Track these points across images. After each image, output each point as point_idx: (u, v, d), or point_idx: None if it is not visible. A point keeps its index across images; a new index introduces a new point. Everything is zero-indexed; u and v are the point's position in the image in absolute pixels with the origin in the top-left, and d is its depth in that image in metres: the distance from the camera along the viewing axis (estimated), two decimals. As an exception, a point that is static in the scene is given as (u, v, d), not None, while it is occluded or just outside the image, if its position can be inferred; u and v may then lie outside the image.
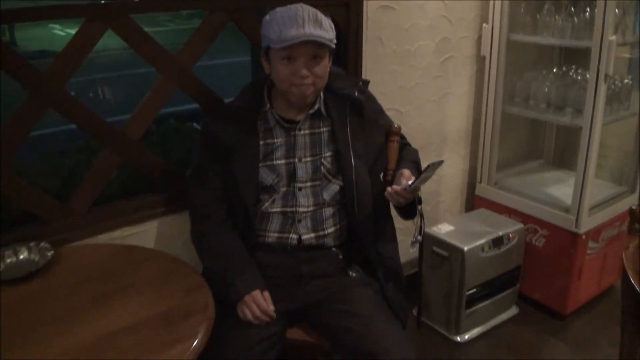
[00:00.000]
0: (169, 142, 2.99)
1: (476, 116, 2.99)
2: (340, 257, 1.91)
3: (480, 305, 2.68)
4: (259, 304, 1.72)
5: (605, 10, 2.31)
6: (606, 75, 2.37)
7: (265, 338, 1.72)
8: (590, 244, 2.69)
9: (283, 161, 1.84)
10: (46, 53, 8.61)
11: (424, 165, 1.96)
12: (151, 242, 2.08)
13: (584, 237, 2.64)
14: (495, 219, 2.81)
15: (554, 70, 2.79)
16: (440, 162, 1.73)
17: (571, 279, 2.70)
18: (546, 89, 2.73)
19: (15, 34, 10.40)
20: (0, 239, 1.79)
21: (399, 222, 2.00)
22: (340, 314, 1.78)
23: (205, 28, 1.99)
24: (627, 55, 2.84)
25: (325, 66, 1.75)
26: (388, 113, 2.05)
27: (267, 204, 1.85)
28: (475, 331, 2.70)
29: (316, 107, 1.85)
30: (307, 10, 1.67)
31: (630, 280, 1.14)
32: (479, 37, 2.82)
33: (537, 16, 2.64)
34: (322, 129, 1.87)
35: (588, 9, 2.47)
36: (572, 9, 2.51)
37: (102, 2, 1.90)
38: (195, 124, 3.35)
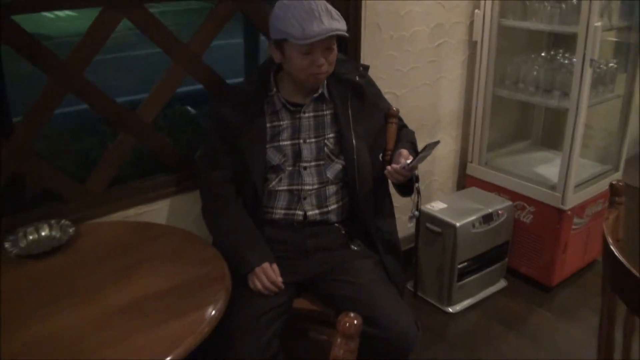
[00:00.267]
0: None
1: (468, 99, 3.11)
2: (343, 232, 2.04)
3: (471, 278, 2.82)
4: (268, 275, 1.85)
5: (591, -4, 2.43)
6: (592, 60, 2.50)
7: (274, 307, 1.84)
8: (576, 219, 2.84)
9: (289, 142, 1.96)
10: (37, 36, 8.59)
11: (419, 146, 2.10)
12: (163, 219, 2.19)
13: (569, 213, 2.78)
14: (485, 197, 2.95)
15: (542, 54, 2.91)
16: (437, 143, 1.87)
17: (557, 253, 2.85)
18: (535, 73, 2.85)
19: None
20: (21, 217, 1.90)
21: (395, 201, 2.14)
22: (343, 284, 1.92)
23: (214, 17, 2.10)
24: (613, 39, 2.97)
25: (336, 54, 1.87)
26: (385, 96, 2.17)
27: (274, 182, 1.97)
28: (466, 302, 2.85)
29: (320, 91, 1.97)
30: (320, 3, 1.77)
31: (609, 246, 1.28)
32: (471, 23, 2.93)
33: (527, 2, 2.75)
34: (325, 112, 1.99)
35: (575, -4, 2.59)
36: (560, -5, 2.64)
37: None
38: (189, 108, 3.45)
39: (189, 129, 2.92)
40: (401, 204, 2.18)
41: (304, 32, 1.73)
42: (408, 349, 1.83)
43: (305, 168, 1.97)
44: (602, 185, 2.93)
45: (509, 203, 2.88)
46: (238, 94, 2.00)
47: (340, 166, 1.99)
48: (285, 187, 1.97)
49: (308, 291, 2.01)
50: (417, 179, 1.94)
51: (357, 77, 2.01)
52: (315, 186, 1.97)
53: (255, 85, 1.98)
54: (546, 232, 2.86)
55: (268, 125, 1.95)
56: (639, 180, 4.03)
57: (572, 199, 2.77)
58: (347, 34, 1.81)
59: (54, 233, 1.85)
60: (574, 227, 2.85)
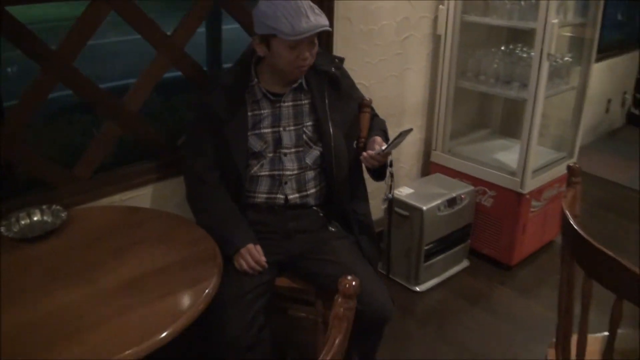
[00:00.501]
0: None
1: (432, 90, 3.27)
2: (321, 214, 2.17)
3: (437, 258, 2.99)
4: (252, 255, 1.96)
5: (548, -4, 2.61)
6: (549, 54, 2.68)
7: (258, 285, 1.96)
8: (533, 202, 3.03)
9: (269, 130, 2.07)
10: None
11: (390, 134, 2.24)
12: (147, 205, 2.28)
13: (527, 196, 2.97)
14: (449, 182, 3.11)
15: (502, 48, 3.09)
16: (410, 130, 2.01)
17: (516, 234, 3.04)
18: (495, 66, 3.02)
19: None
20: (11, 203, 1.97)
21: (368, 185, 2.27)
22: (322, 263, 2.05)
23: (196, 10, 2.20)
24: (568, 35, 3.17)
25: (317, 47, 1.98)
26: (356, 87, 2.30)
27: (256, 168, 2.08)
28: (432, 282, 3.02)
29: (299, 81, 2.08)
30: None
31: (568, 219, 1.44)
32: (436, 18, 3.09)
33: (488, -1, 2.92)
34: (303, 101, 2.11)
35: (533, -7, 2.77)
36: (519, -8, 2.81)
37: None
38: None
39: (165, 117, 3.01)
40: (371, 189, 2.32)
41: (294, 28, 1.84)
42: (385, 321, 1.98)
43: (285, 154, 2.08)
44: (558, 171, 3.13)
45: (471, 188, 3.05)
46: (221, 86, 2.09)
47: (318, 152, 2.12)
48: (266, 173, 2.08)
49: (289, 270, 2.12)
50: (391, 164, 2.08)
51: (333, 68, 2.13)
52: (296, 171, 2.09)
53: (236, 76, 2.08)
54: (506, 215, 3.04)
55: (249, 114, 2.06)
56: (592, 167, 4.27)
57: (530, 184, 2.96)
58: (330, 29, 1.93)
59: (45, 218, 1.92)
60: (532, 209, 3.04)
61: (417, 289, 2.97)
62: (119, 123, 2.14)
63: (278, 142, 2.08)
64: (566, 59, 3.01)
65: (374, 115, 2.30)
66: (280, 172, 2.08)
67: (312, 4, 1.91)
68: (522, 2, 2.79)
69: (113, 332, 1.43)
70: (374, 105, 2.33)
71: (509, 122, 3.53)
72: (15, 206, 1.93)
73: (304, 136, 2.10)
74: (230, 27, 2.28)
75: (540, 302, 2.89)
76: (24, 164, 2.00)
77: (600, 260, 1.33)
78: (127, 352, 1.35)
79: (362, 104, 2.23)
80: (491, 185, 3.07)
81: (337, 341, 1.06)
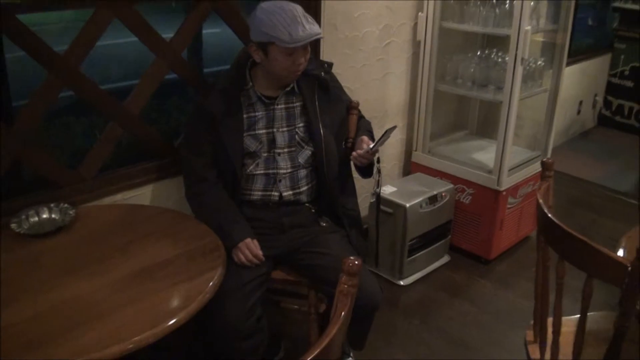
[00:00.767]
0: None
1: (412, 93, 3.43)
2: (313, 210, 2.31)
3: (419, 254, 3.14)
4: (250, 249, 2.09)
5: (522, 4, 2.77)
6: (522, 58, 2.85)
7: (256, 277, 2.08)
8: (510, 199, 3.20)
9: (264, 131, 2.21)
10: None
11: (374, 133, 2.39)
12: (147, 203, 2.40)
13: (504, 193, 3.14)
14: (430, 181, 3.27)
15: (478, 53, 3.25)
16: (394, 128, 2.17)
17: (494, 229, 3.20)
18: (472, 70, 3.18)
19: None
20: (19, 202, 2.07)
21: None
22: (315, 255, 2.18)
23: (192, 17, 2.33)
24: (541, 40, 3.35)
25: (309, 53, 2.12)
26: (342, 90, 2.44)
27: (251, 167, 2.21)
28: (416, 276, 3.16)
29: (291, 85, 2.22)
30: (298, 8, 2.02)
31: (541, 206, 1.60)
32: (415, 24, 3.25)
33: (465, 7, 3.08)
34: (295, 104, 2.24)
35: (507, 2, 2.93)
36: (494, 1, 2.97)
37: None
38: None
39: (160, 120, 3.13)
40: (358, 187, 2.46)
41: (292, 36, 1.98)
42: (375, 308, 2.13)
43: (279, 154, 2.22)
44: (533, 169, 3.30)
45: (450, 186, 3.21)
46: (218, 89, 2.22)
47: (310, 152, 2.25)
48: (261, 171, 2.21)
49: (284, 263, 2.26)
50: (378, 160, 2.23)
51: (322, 73, 2.27)
52: (289, 170, 2.23)
53: (232, 80, 2.21)
54: (484, 211, 3.20)
55: (245, 116, 2.19)
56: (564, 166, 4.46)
57: (507, 181, 3.13)
58: (323, 36, 2.07)
59: (54, 215, 2.02)
60: (508, 206, 3.21)
61: (402, 282, 3.12)
62: (121, 124, 2.25)
63: (272, 143, 2.21)
64: (539, 63, 3.18)
65: (361, 117, 2.44)
66: (275, 171, 2.21)
67: (305, 13, 2.04)
68: (497, 10, 2.96)
69: (127, 318, 1.54)
70: (358, 107, 2.48)
71: (486, 123, 3.71)
72: (23, 205, 2.03)
73: (296, 137, 2.23)
74: (209, 32, 2.42)
75: (518, 293, 3.06)
76: (33, 164, 2.10)
77: (571, 242, 1.49)
78: (144, 335, 1.46)
79: (350, 106, 2.38)
80: (469, 183, 3.23)
81: (343, 314, 1.20)
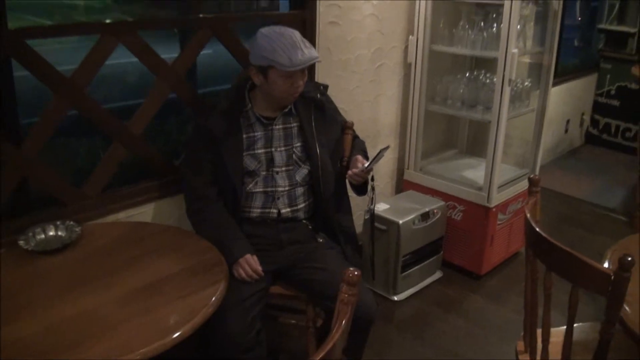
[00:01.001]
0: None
1: (404, 113, 3.53)
2: (310, 227, 2.39)
3: (413, 269, 3.21)
4: (250, 264, 2.16)
5: (509, 28, 2.88)
6: (510, 79, 2.96)
7: (255, 292, 2.15)
8: (500, 215, 3.29)
9: (263, 150, 2.29)
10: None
11: (369, 152, 2.48)
12: (149, 221, 2.47)
13: (494, 210, 3.23)
14: (422, 198, 3.35)
15: (467, 75, 3.36)
16: (387, 147, 2.26)
17: (485, 245, 3.29)
18: (461, 90, 3.29)
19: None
20: (25, 220, 2.14)
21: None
22: (312, 270, 2.25)
23: (194, 42, 2.42)
24: (528, 61, 3.46)
25: (306, 76, 2.22)
26: (335, 111, 2.54)
27: (250, 185, 2.29)
28: (409, 291, 3.24)
29: (288, 107, 2.31)
30: (296, 34, 2.12)
31: (529, 221, 1.69)
32: (406, 47, 3.36)
33: (454, 31, 3.20)
34: (292, 124, 2.33)
35: (495, 26, 3.05)
36: (482, 25, 3.09)
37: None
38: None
39: (160, 140, 3.21)
40: (352, 205, 2.54)
41: (291, 60, 2.07)
42: (371, 321, 2.20)
43: (277, 172, 2.30)
44: (521, 186, 3.39)
45: (442, 203, 3.30)
46: (218, 110, 2.30)
47: (307, 171, 2.34)
48: (260, 189, 2.29)
49: (282, 279, 2.33)
50: (372, 178, 2.32)
51: (318, 95, 2.37)
52: (287, 188, 2.31)
53: (232, 102, 2.30)
54: (475, 228, 3.29)
55: (244, 136, 2.27)
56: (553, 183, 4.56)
57: (496, 198, 3.22)
58: (320, 60, 2.17)
59: (60, 233, 2.08)
60: (498, 222, 3.30)
61: (395, 298, 3.19)
62: (124, 144, 2.33)
63: (270, 162, 2.29)
64: (526, 84, 3.30)
65: (355, 137, 2.53)
66: (273, 189, 2.29)
67: (303, 38, 2.14)
68: (485, 34, 3.08)
69: (134, 331, 1.60)
70: (352, 127, 2.57)
71: (475, 142, 3.81)
72: (30, 222, 2.09)
73: (294, 156, 2.32)
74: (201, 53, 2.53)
75: (509, 307, 3.14)
76: (40, 182, 2.17)
77: (557, 254, 1.57)
78: (150, 347, 1.52)
79: (345, 127, 2.47)
80: (460, 200, 3.32)
81: (344, 322, 1.27)
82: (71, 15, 11.16)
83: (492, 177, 3.16)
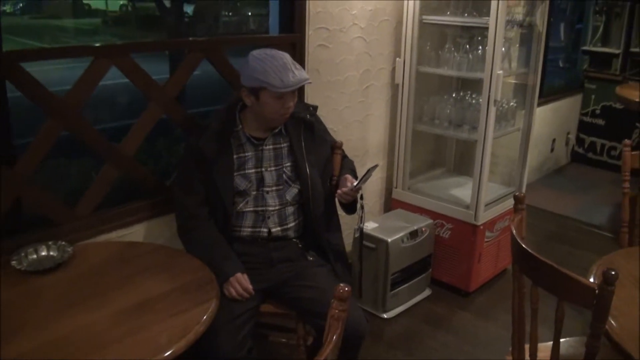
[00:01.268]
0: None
1: (392, 133, 3.58)
2: (300, 245, 2.41)
3: (401, 287, 3.24)
4: (241, 283, 2.18)
5: (494, 50, 2.95)
6: (495, 100, 3.02)
7: (246, 310, 2.17)
8: (487, 233, 3.33)
9: (253, 170, 2.33)
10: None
11: (358, 171, 2.52)
12: (140, 241, 2.49)
13: (481, 227, 3.27)
14: (410, 217, 3.39)
15: (454, 95, 3.42)
16: (376, 166, 2.30)
17: (473, 263, 3.33)
18: (448, 111, 3.35)
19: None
20: (17, 240, 2.15)
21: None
22: (303, 288, 2.28)
23: (186, 64, 2.46)
24: (513, 82, 3.53)
25: (297, 97, 2.26)
26: (325, 131, 2.58)
27: (241, 205, 2.32)
28: (398, 309, 3.26)
29: (278, 127, 2.35)
30: (287, 56, 2.17)
31: (515, 237, 1.73)
32: (394, 69, 3.42)
33: (440, 52, 3.27)
34: (282, 145, 2.37)
35: (480, 48, 3.12)
36: (468, 47, 3.16)
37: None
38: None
39: (150, 161, 3.24)
40: (343, 223, 2.58)
41: (283, 82, 2.12)
42: (361, 338, 2.22)
43: (267, 192, 2.33)
44: (508, 204, 3.44)
45: (430, 221, 3.34)
46: (209, 131, 2.33)
47: (297, 190, 2.37)
48: (251, 209, 2.32)
49: (273, 297, 2.35)
50: (361, 197, 2.35)
51: (308, 115, 2.41)
52: (277, 207, 2.34)
53: (223, 123, 2.33)
54: (463, 245, 3.33)
55: (235, 156, 2.31)
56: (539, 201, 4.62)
57: (483, 216, 3.26)
58: (311, 82, 2.22)
59: (52, 253, 2.10)
60: (486, 240, 3.34)
61: (385, 316, 3.21)
62: (116, 165, 2.36)
63: (261, 182, 2.33)
64: (511, 104, 3.36)
65: (344, 156, 2.58)
66: (264, 208, 2.32)
67: (293, 60, 2.19)
68: (470, 56, 3.14)
69: (128, 349, 1.61)
70: (341, 147, 2.62)
71: (462, 161, 3.87)
72: (22, 243, 2.11)
73: (284, 175, 2.35)
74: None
75: (497, 323, 3.17)
76: (33, 203, 2.19)
77: (543, 269, 1.61)
78: (144, 364, 1.55)
79: (334, 146, 2.52)
80: (448, 219, 3.36)
81: (334, 337, 1.30)
82: (60, 38, 11.22)
83: (479, 196, 3.21)
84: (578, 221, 4.59)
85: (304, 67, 2.88)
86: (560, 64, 6.76)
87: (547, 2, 3.35)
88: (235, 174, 2.30)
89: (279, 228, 2.35)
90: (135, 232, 2.47)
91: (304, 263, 2.38)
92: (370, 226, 3.21)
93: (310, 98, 2.96)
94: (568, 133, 5.88)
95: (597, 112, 5.80)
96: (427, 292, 3.44)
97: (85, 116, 2.26)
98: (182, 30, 6.99)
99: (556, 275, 1.58)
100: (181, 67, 2.47)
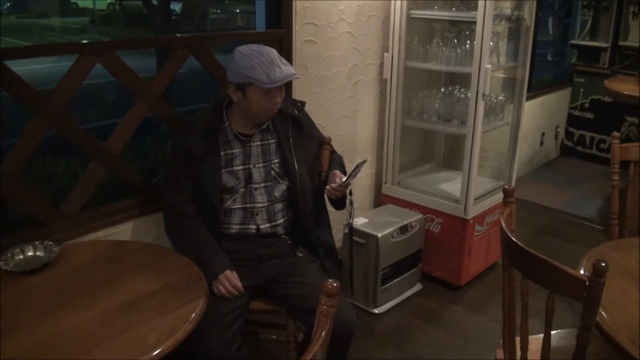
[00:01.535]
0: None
1: (380, 128, 3.58)
2: (289, 241, 2.40)
3: (392, 282, 3.24)
4: (230, 280, 2.17)
5: (482, 45, 2.95)
6: (484, 94, 3.02)
7: (235, 308, 2.16)
8: (477, 227, 3.33)
9: (241, 167, 2.31)
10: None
11: (347, 166, 2.52)
12: (127, 239, 2.47)
13: (471, 221, 3.27)
14: (400, 212, 3.39)
15: (442, 90, 3.42)
16: (364, 161, 2.29)
17: (463, 257, 3.33)
18: (436, 105, 3.35)
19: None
20: (3, 240, 2.13)
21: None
22: (292, 285, 2.27)
23: (172, 61, 2.44)
24: (501, 76, 3.53)
25: (284, 92, 2.25)
26: (313, 127, 2.57)
27: (229, 202, 2.30)
28: (389, 304, 3.26)
29: (266, 123, 2.34)
30: (274, 52, 2.15)
31: (504, 230, 1.73)
32: (382, 64, 3.41)
33: (428, 47, 3.26)
34: (270, 141, 2.36)
35: (468, 42, 3.11)
36: (456, 41, 3.15)
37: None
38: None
39: (137, 160, 3.22)
40: (331, 219, 2.57)
41: (270, 77, 2.10)
42: (352, 334, 2.22)
43: (256, 189, 2.32)
44: (498, 198, 3.44)
45: (420, 216, 3.34)
46: (197, 128, 2.31)
47: (285, 186, 2.36)
48: (239, 206, 2.31)
49: (262, 294, 2.34)
50: (350, 192, 2.34)
51: (295, 111, 2.40)
52: (266, 204, 2.33)
53: (210, 120, 2.32)
54: (453, 239, 3.33)
55: (222, 153, 2.29)
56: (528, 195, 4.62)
57: (473, 210, 3.26)
58: (298, 77, 2.20)
59: (38, 253, 2.07)
60: (476, 233, 3.34)
61: (376, 311, 3.21)
62: (103, 164, 2.34)
63: (249, 178, 2.31)
64: (500, 98, 3.36)
65: (333, 152, 2.57)
66: (252, 205, 2.31)
67: (280, 55, 2.17)
68: (458, 50, 3.14)
69: (117, 348, 1.60)
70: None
71: (451, 155, 3.87)
72: (8, 243, 2.09)
73: (272, 172, 2.34)
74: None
75: (488, 316, 3.17)
76: (20, 203, 2.17)
77: (533, 262, 1.61)
78: (133, 364, 1.53)
79: (323, 142, 2.51)
80: (438, 213, 3.36)
81: (323, 333, 1.29)
82: (48, 37, 11.14)
83: (468, 190, 3.21)
84: (568, 214, 4.60)
85: (291, 62, 2.86)
86: (549, 58, 6.79)
87: (535, -4, 3.35)
88: (222, 171, 2.28)
89: (267, 225, 2.34)
90: (123, 231, 2.46)
91: (294, 259, 2.37)
92: (360, 222, 3.20)
93: (298, 94, 2.95)
94: (557, 127, 5.89)
95: (586, 105, 5.82)
96: (417, 287, 3.44)
97: (72, 114, 2.24)
98: (169, 28, 6.99)
99: (546, 268, 1.58)
100: (167, 64, 2.45)
